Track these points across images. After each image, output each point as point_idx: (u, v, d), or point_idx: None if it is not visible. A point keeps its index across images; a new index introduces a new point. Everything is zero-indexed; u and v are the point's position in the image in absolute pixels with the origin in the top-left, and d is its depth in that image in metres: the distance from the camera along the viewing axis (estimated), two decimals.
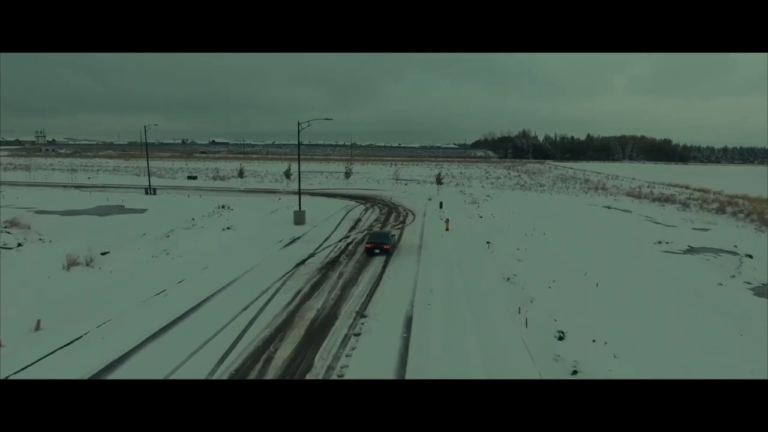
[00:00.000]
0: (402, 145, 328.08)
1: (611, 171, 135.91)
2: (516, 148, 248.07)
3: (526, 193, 73.46)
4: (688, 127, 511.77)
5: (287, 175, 76.30)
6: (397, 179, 78.99)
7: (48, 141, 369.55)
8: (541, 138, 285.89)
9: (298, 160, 55.01)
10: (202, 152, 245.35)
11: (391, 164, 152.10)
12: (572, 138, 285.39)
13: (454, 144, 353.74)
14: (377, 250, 30.45)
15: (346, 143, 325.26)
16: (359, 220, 46.03)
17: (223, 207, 51.40)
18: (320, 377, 14.65)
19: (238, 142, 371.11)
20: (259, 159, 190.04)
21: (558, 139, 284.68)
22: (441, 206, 54.28)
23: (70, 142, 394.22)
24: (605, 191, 78.05)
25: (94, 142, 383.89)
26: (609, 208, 59.09)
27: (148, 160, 76.19)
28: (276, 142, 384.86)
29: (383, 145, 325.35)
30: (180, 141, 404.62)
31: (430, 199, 64.18)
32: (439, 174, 70.33)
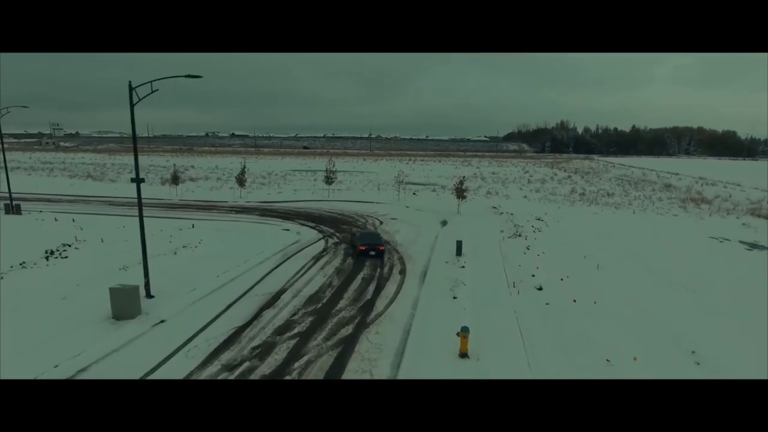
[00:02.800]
0: (429, 137, 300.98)
1: (678, 169, 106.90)
2: (555, 141, 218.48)
3: (595, 211, 47.11)
4: (741, 120, 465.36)
5: (240, 181, 52.02)
6: (401, 184, 53.53)
7: (70, 134, 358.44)
8: (580, 130, 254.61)
9: (135, 151, 29.52)
10: (213, 146, 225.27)
11: (409, 161, 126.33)
12: (616, 130, 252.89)
13: (485, 137, 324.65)
14: (372, 252, 27.36)
15: (372, 135, 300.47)
16: (279, 295, 21.21)
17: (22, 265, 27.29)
18: None
19: (262, 135, 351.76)
20: (271, 153, 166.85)
21: (600, 131, 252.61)
22: (459, 250, 28.73)
23: (94, 135, 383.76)
24: (708, 205, 51.01)
25: (117, 135, 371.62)
26: (754, 246, 32.58)
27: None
28: (298, 135, 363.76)
29: (409, 137, 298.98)
30: (204, 134, 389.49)
31: (444, 224, 38.86)
32: (462, 183, 44.31)
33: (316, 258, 28.04)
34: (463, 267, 25.91)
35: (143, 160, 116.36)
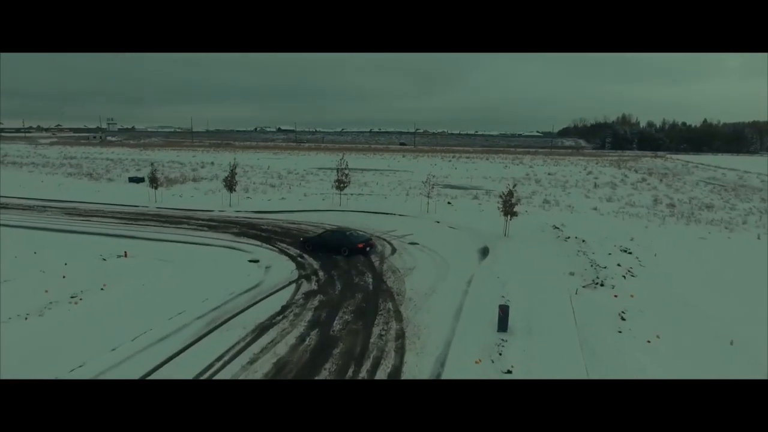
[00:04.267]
0: (478, 132, 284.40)
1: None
2: (616, 137, 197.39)
3: (701, 235, 33.00)
4: None
5: (230, 185, 41.22)
6: (432, 189, 40.97)
7: (125, 128, 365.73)
8: (643, 124, 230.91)
9: None
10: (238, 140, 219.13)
11: (453, 157, 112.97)
12: (684, 124, 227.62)
13: (538, 132, 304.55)
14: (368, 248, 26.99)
15: (418, 130, 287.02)
16: None
17: None
18: None
19: (306, 129, 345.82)
20: (311, 149, 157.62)
21: (666, 126, 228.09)
22: (503, 324, 16.37)
23: (150, 129, 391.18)
24: None
25: (170, 129, 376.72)
26: None
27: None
28: (345, 130, 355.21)
29: (457, 132, 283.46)
30: (253, 128, 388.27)
31: (484, 256, 26.60)
32: (511, 195, 30.91)
33: (261, 330, 16.56)
34: (509, 372, 13.68)
35: (170, 155, 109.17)
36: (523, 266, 24.36)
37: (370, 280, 22.49)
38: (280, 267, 24.52)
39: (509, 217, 30.79)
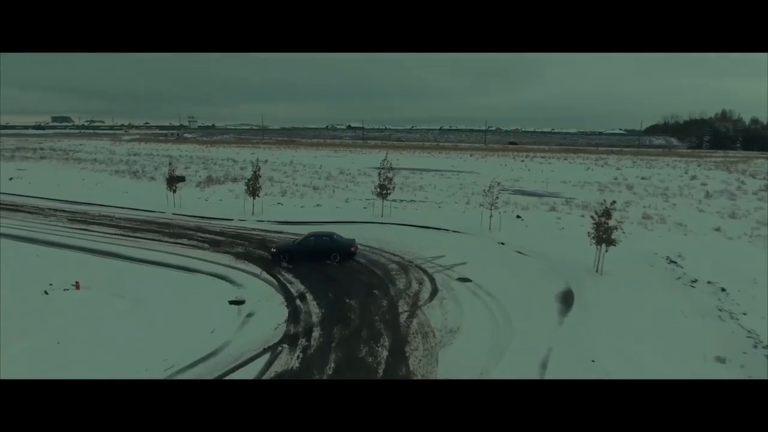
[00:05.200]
0: (554, 130, 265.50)
1: None
2: (716, 135, 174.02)
3: None
4: None
5: (252, 189, 34.52)
6: (495, 200, 31.74)
7: (204, 126, 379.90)
8: (747, 121, 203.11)
9: None
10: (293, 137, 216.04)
11: (526, 157, 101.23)
12: None
13: (621, 129, 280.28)
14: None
15: (490, 127, 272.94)
16: None
17: None
18: None
19: (375, 127, 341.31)
20: (375, 147, 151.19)
21: None
22: None
23: (230, 127, 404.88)
24: None
25: (247, 127, 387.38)
26: None
27: None
28: (415, 127, 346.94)
29: (531, 130, 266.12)
30: (324, 126, 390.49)
31: (567, 309, 17.68)
32: (608, 214, 21.32)
33: None
34: None
35: (230, 152, 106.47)
36: (632, 337, 15.25)
37: (385, 353, 14.43)
38: (266, 315, 17.13)
39: (604, 246, 21.42)
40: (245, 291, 19.71)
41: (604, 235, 20.96)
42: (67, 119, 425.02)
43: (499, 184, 37.23)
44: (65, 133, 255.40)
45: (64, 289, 19.28)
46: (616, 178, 61.15)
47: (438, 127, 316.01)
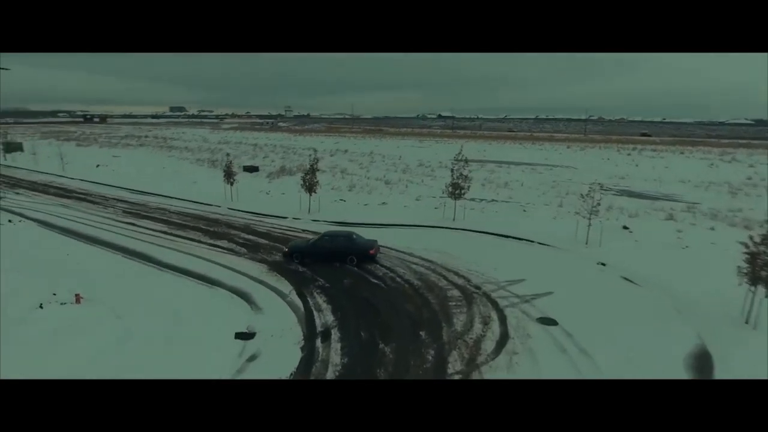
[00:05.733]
0: (666, 119, 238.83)
1: None
2: None
3: None
4: None
5: (309, 185, 30.69)
6: (596, 206, 25.17)
7: (299, 115, 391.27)
8: None
9: None
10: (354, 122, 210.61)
11: (633, 150, 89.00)
12: None
13: (747, 119, 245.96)
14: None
15: (591, 117, 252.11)
16: None
17: None
18: None
19: (467, 116, 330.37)
20: (464, 137, 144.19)
21: None
22: None
23: (324, 116, 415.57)
24: None
25: (341, 116, 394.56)
26: None
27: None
28: (508, 116, 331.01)
29: (639, 120, 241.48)
30: (415, 115, 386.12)
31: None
32: (761, 248, 14.69)
33: None
34: None
35: (313, 141, 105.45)
36: None
37: None
38: (272, 361, 12.95)
39: (763, 288, 14.61)
40: (262, 318, 15.73)
41: (764, 273, 14.18)
42: (182, 109, 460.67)
43: (601, 186, 30.29)
44: (176, 121, 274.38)
45: (62, 303, 16.52)
46: (750, 178, 50.18)
47: (533, 116, 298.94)
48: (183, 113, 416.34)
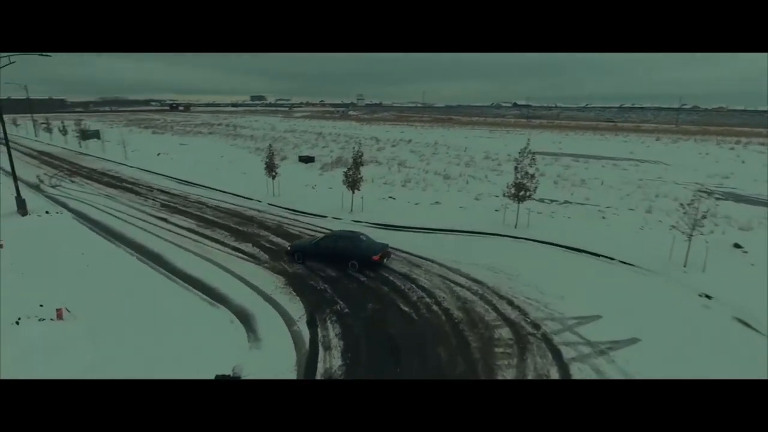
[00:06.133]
0: None
1: None
2: None
3: None
4: None
5: (351, 181, 27.26)
6: (700, 219, 19.85)
7: (371, 103, 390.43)
8: None
9: None
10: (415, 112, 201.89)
11: (736, 143, 77.67)
12: None
13: None
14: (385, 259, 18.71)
15: (684, 105, 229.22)
16: None
17: None
18: None
19: (546, 105, 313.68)
20: (539, 127, 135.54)
21: None
22: None
23: (396, 104, 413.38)
24: None
25: (412, 105, 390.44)
26: None
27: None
28: (589, 105, 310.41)
29: (741, 109, 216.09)
30: (489, 104, 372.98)
31: None
32: None
33: None
34: None
35: (378, 130, 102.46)
36: None
37: None
38: None
39: None
40: (256, 355, 12.63)
41: None
42: (261, 98, 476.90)
43: (704, 191, 24.44)
44: (252, 110, 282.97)
45: (41, 319, 14.37)
46: None
47: (617, 105, 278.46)
48: (261, 102, 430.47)
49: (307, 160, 51.49)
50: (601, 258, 20.32)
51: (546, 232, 23.74)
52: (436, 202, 30.37)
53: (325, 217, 27.08)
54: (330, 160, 51.25)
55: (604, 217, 26.92)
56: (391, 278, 17.86)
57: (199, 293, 16.57)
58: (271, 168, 31.44)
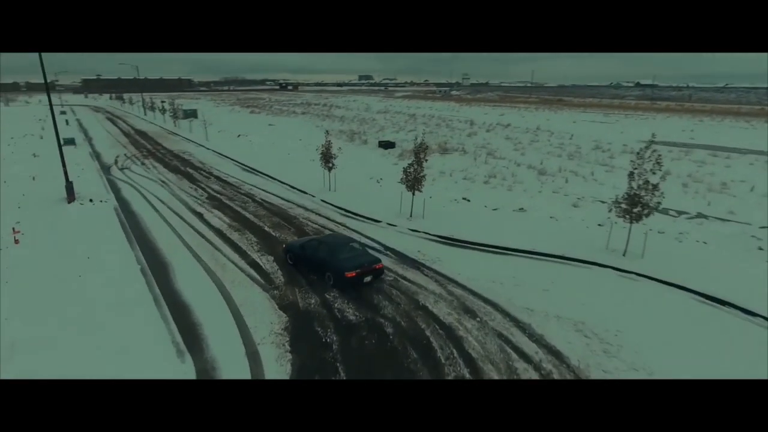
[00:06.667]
0: None
1: None
2: None
3: None
4: None
5: (413, 180, 22.04)
6: None
7: (478, 83, 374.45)
8: None
9: None
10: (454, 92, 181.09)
11: None
12: None
13: None
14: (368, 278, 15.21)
15: None
16: None
17: None
18: None
19: (675, 85, 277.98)
20: (665, 110, 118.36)
21: None
22: None
23: (504, 84, 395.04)
24: None
25: (521, 85, 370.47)
26: None
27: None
28: (729, 85, 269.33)
29: None
30: (608, 84, 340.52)
31: None
32: None
33: None
34: None
35: (476, 112, 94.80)
36: None
37: None
38: None
39: None
40: None
41: None
42: (369, 77, 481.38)
43: None
44: (356, 89, 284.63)
45: None
46: None
47: (766, 85, 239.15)
48: (367, 81, 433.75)
49: (387, 145, 46.90)
50: (758, 318, 13.31)
51: (670, 264, 16.83)
52: (521, 209, 24.12)
53: (379, 222, 22.32)
54: (411, 146, 46.13)
55: (761, 248, 19.01)
56: (427, 333, 12.64)
57: (175, 331, 12.74)
58: (327, 159, 27.18)
